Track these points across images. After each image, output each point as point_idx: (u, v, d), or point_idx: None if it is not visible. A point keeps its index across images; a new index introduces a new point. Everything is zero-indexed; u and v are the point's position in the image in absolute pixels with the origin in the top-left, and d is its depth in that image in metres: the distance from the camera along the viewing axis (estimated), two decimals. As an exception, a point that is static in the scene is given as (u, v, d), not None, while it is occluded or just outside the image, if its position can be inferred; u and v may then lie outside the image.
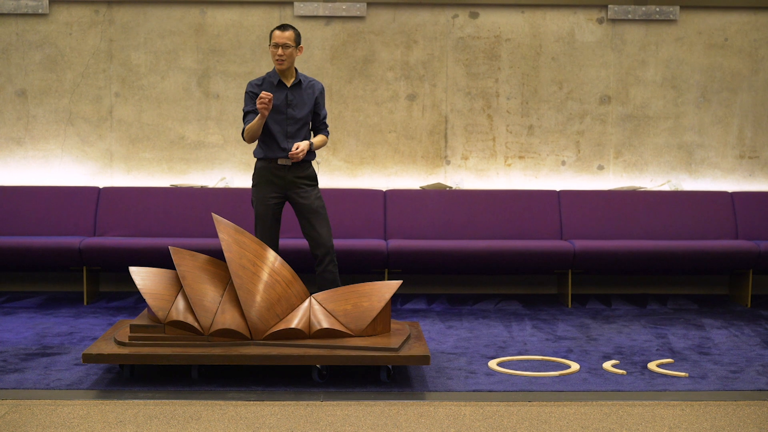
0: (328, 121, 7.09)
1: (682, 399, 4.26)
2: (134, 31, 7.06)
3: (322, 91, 5.38)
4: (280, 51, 5.17)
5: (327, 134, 5.45)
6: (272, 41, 5.18)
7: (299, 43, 5.24)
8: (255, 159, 5.33)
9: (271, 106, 5.01)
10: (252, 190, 5.33)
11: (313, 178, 5.33)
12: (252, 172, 7.09)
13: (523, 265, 6.59)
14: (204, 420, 3.86)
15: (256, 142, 5.27)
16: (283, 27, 5.20)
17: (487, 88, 7.14)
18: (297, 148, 5.13)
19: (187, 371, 4.51)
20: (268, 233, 5.26)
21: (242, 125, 5.38)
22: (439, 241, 6.59)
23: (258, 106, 4.99)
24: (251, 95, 5.25)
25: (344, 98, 7.11)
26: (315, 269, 5.31)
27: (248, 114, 5.24)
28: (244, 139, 5.25)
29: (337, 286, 5.18)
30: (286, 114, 5.24)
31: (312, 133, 5.42)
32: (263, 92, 4.99)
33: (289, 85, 5.26)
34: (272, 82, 5.26)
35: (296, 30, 5.23)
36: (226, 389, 4.32)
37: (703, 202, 7.04)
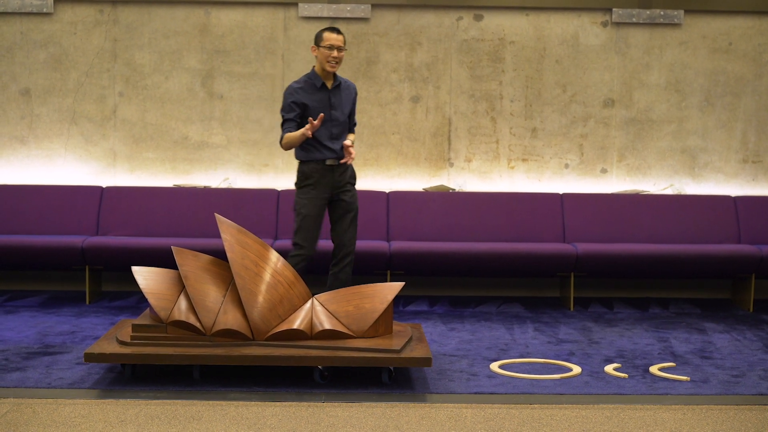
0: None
1: (683, 403, 4.25)
2: (138, 31, 7.07)
3: (356, 92, 5.51)
4: (335, 53, 5.23)
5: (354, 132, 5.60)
6: (325, 43, 5.23)
7: (345, 47, 5.34)
8: (298, 161, 5.38)
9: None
10: (298, 192, 5.36)
11: (354, 177, 5.48)
12: (252, 172, 7.10)
13: (525, 268, 6.59)
14: (205, 420, 3.86)
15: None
16: (336, 30, 5.28)
17: (491, 90, 7.14)
18: (351, 151, 5.28)
19: (189, 371, 4.51)
20: (315, 233, 5.37)
21: (279, 130, 5.50)
22: (441, 243, 6.59)
23: (307, 132, 5.05)
24: (292, 103, 5.26)
25: (348, 99, 7.11)
26: (330, 267, 5.41)
27: (288, 122, 5.27)
28: (281, 145, 5.31)
29: (351, 282, 5.38)
30: (330, 116, 5.30)
31: None
32: (313, 121, 5.04)
33: (330, 87, 5.32)
34: (315, 84, 5.30)
35: (344, 35, 5.34)
36: (227, 389, 4.32)
37: (706, 207, 7.04)
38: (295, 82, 5.37)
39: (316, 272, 6.56)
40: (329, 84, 5.34)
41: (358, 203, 5.54)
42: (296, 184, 5.42)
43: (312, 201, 5.33)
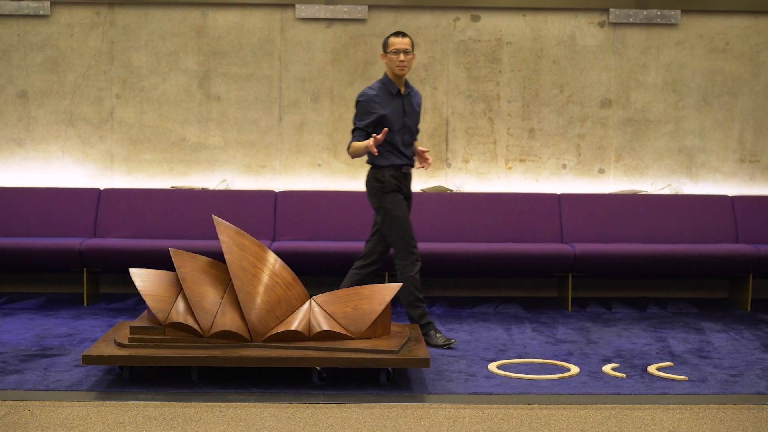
0: (330, 123, 7.10)
1: (681, 402, 4.26)
2: (135, 33, 7.07)
3: (421, 100, 5.52)
4: (402, 57, 5.23)
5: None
6: (391, 48, 5.24)
7: (413, 50, 5.32)
8: (371, 166, 5.37)
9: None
10: (382, 197, 5.32)
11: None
12: (250, 174, 7.10)
13: (523, 268, 6.59)
14: (203, 422, 3.86)
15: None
16: (401, 34, 5.28)
17: (488, 91, 7.14)
18: (428, 157, 5.36)
19: (187, 373, 4.51)
20: (412, 232, 5.36)
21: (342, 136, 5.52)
22: (439, 243, 6.59)
23: (371, 147, 5.04)
24: (370, 114, 5.23)
25: (345, 100, 7.11)
26: (355, 262, 5.45)
27: (359, 131, 5.26)
28: (348, 152, 5.33)
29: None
30: (403, 123, 5.30)
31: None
32: (376, 136, 5.04)
33: (403, 93, 5.32)
34: (390, 91, 5.28)
35: (411, 38, 5.32)
36: (225, 391, 4.32)
37: (703, 206, 7.04)
38: (369, 88, 5.32)
39: (309, 274, 6.56)
40: (402, 90, 5.32)
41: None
42: (377, 191, 5.34)
43: (399, 205, 5.31)
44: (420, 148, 5.38)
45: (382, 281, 6.49)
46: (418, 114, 5.46)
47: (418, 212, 6.93)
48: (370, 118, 5.23)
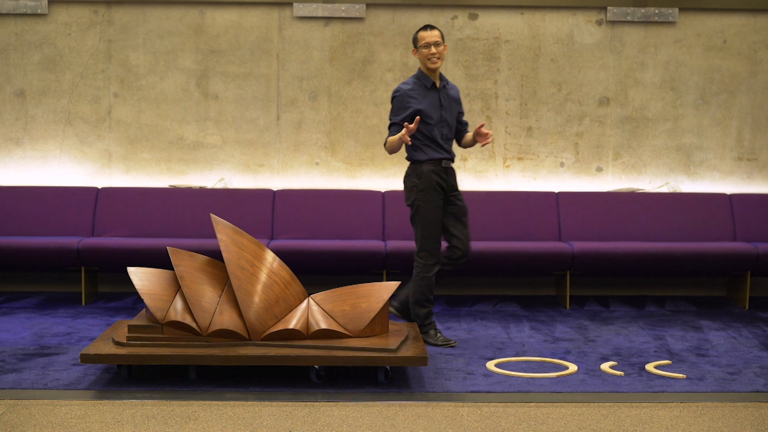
0: (328, 122, 7.10)
1: (679, 400, 4.26)
2: (133, 32, 7.07)
3: (457, 92, 5.44)
4: (433, 49, 5.19)
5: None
6: (421, 42, 5.21)
7: (444, 41, 5.28)
8: (410, 162, 5.33)
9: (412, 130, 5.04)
10: (416, 195, 5.29)
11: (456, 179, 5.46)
12: (248, 172, 7.10)
13: (521, 267, 6.59)
14: (202, 420, 3.86)
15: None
16: (429, 27, 5.24)
17: (486, 89, 7.14)
18: (484, 131, 5.23)
19: (185, 372, 4.51)
20: (440, 236, 5.34)
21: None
22: (437, 242, 6.59)
23: (405, 138, 5.00)
24: (405, 109, 5.21)
25: (343, 99, 7.11)
26: (441, 259, 5.38)
27: (394, 125, 5.23)
28: (384, 148, 5.30)
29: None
30: (440, 116, 5.26)
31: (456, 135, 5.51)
32: (408, 125, 4.99)
33: (438, 87, 5.29)
34: (425, 85, 5.26)
35: (440, 29, 5.28)
36: (223, 390, 4.32)
37: (701, 204, 7.05)
38: (404, 84, 5.30)
39: (307, 272, 6.57)
40: (438, 83, 5.29)
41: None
42: (412, 186, 5.31)
43: (432, 204, 5.28)
44: (481, 127, 5.23)
45: (380, 279, 6.49)
46: (458, 106, 5.39)
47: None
48: (406, 113, 5.20)
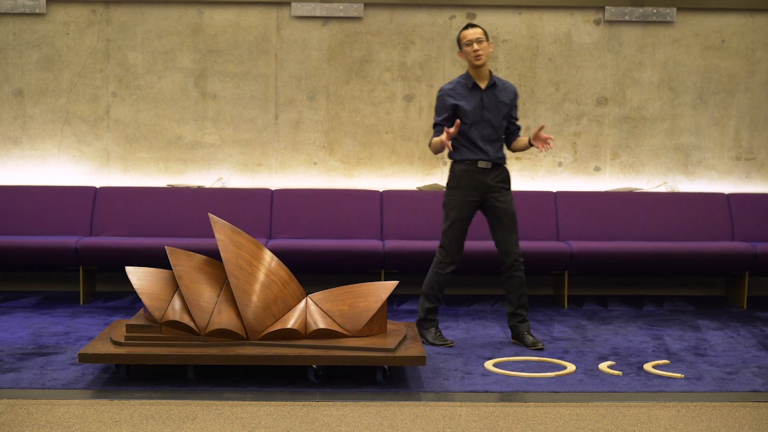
0: (326, 122, 7.10)
1: (677, 400, 4.26)
2: (131, 31, 7.06)
3: (515, 95, 5.36)
4: (475, 46, 5.16)
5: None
6: (464, 41, 5.19)
7: (488, 39, 5.24)
8: (450, 161, 5.33)
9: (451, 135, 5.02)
10: (446, 193, 5.32)
11: (509, 182, 5.35)
12: (246, 172, 7.10)
13: (519, 266, 6.59)
14: (200, 420, 3.86)
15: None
16: (471, 26, 5.23)
17: (484, 89, 7.14)
18: (543, 135, 5.14)
19: (183, 371, 4.51)
20: (460, 236, 5.32)
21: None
22: (435, 242, 6.58)
23: (446, 142, 4.99)
24: (443, 107, 5.22)
25: (341, 99, 7.11)
26: (501, 273, 5.38)
27: (437, 126, 5.23)
28: (429, 147, 5.30)
29: (524, 288, 5.36)
30: (482, 117, 5.22)
31: (506, 138, 5.42)
32: (448, 129, 4.98)
33: (483, 88, 5.24)
34: (466, 85, 5.24)
35: (483, 27, 5.25)
36: (222, 389, 4.32)
37: (699, 204, 7.05)
38: (447, 84, 5.31)
39: (306, 272, 6.57)
40: (483, 84, 5.24)
41: (513, 206, 5.36)
42: (447, 184, 5.35)
43: (459, 204, 5.27)
44: (539, 131, 5.16)
45: (378, 279, 6.49)
46: (507, 108, 5.28)
47: (414, 210, 6.94)
48: (446, 112, 5.21)
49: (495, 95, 5.26)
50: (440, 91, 5.28)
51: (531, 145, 5.27)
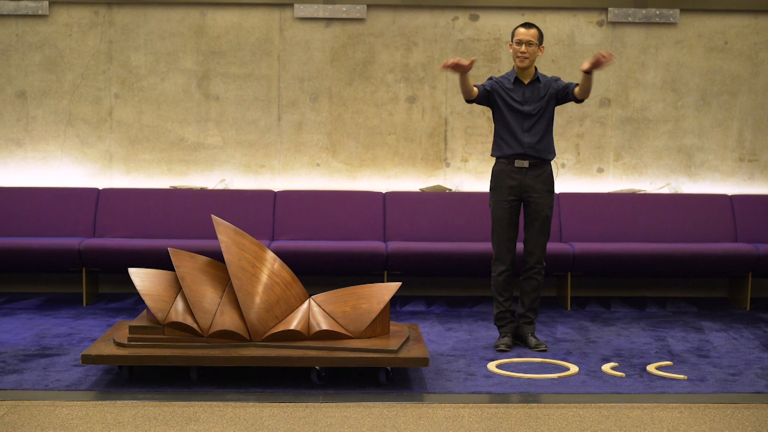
0: (329, 123, 7.10)
1: (680, 401, 4.26)
2: (134, 33, 7.07)
3: (555, 78, 5.29)
4: (523, 48, 5.16)
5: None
6: (515, 38, 5.19)
7: (542, 42, 5.23)
8: (492, 159, 5.35)
9: (464, 67, 4.95)
10: (490, 193, 5.33)
11: (550, 183, 5.29)
12: (249, 173, 7.10)
13: (522, 268, 6.59)
14: (203, 421, 3.86)
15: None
16: (527, 25, 5.21)
17: (487, 90, 7.14)
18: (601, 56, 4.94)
19: (186, 372, 4.51)
20: (505, 237, 5.27)
21: None
22: (438, 243, 6.59)
23: (461, 61, 4.93)
24: (485, 84, 5.27)
25: (344, 100, 7.11)
26: (520, 273, 5.38)
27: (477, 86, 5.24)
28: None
29: (539, 292, 5.35)
30: (522, 110, 5.21)
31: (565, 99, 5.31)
32: (462, 61, 4.95)
33: (526, 83, 5.24)
34: (509, 79, 5.26)
35: (540, 29, 5.22)
36: (224, 390, 4.32)
37: (702, 205, 7.05)
38: (495, 76, 5.37)
39: (308, 273, 6.56)
40: (525, 80, 5.24)
41: (544, 208, 5.28)
42: (489, 186, 5.36)
43: (496, 204, 5.27)
44: (600, 53, 4.98)
45: (381, 281, 6.49)
46: (545, 99, 5.21)
47: (417, 212, 6.94)
48: (486, 83, 5.26)
49: (537, 89, 5.25)
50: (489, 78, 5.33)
51: (589, 72, 5.02)
